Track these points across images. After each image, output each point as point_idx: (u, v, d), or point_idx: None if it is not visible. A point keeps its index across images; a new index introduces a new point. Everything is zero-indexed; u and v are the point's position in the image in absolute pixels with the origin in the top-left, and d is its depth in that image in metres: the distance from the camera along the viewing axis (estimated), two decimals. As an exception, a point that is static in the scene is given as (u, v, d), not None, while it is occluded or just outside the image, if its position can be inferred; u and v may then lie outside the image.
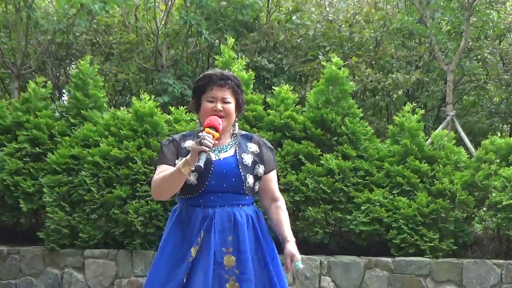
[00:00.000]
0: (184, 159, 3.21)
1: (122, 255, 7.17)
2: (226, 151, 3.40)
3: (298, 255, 3.34)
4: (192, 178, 3.30)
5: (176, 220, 3.38)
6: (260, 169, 3.42)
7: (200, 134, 3.22)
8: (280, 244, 3.42)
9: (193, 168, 3.17)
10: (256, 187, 3.43)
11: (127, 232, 7.10)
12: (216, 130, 3.25)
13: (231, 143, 3.43)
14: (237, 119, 3.48)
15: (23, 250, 7.48)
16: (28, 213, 7.67)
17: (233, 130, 3.48)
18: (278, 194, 3.53)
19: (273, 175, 3.52)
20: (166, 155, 3.37)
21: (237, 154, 3.39)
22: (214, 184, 3.31)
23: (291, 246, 3.35)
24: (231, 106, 3.39)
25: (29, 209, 7.46)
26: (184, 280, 3.25)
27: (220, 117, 3.32)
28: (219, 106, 3.35)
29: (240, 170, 3.34)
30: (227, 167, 3.33)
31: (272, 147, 3.57)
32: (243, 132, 3.57)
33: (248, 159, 3.39)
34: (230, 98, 3.39)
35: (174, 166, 3.28)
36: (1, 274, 7.48)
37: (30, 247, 7.51)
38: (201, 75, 3.51)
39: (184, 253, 3.28)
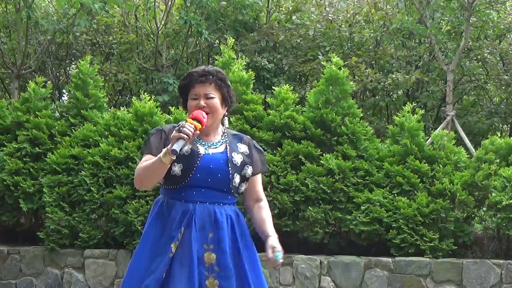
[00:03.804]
0: (165, 148, 3.21)
1: (122, 255, 7.17)
2: (216, 147, 3.38)
3: (279, 247, 3.30)
4: (177, 169, 3.28)
5: (157, 211, 3.37)
6: (249, 170, 3.40)
7: (180, 123, 3.25)
8: (262, 244, 3.40)
9: (173, 157, 3.17)
10: (242, 188, 3.40)
11: (127, 232, 7.11)
12: (200, 122, 3.25)
13: (221, 140, 3.42)
14: (226, 113, 3.47)
15: (23, 250, 7.49)
16: (28, 213, 7.68)
17: (223, 129, 3.46)
18: (262, 195, 3.52)
19: (259, 177, 3.51)
20: (152, 145, 3.35)
21: (228, 152, 3.37)
22: (199, 178, 3.29)
23: (273, 239, 3.33)
24: (215, 101, 3.36)
25: (29, 209, 7.47)
26: (164, 276, 3.23)
27: (206, 113, 3.31)
28: (202, 102, 3.33)
29: (229, 167, 3.33)
30: (215, 163, 3.32)
31: (261, 149, 3.56)
32: (234, 132, 3.56)
33: (238, 158, 3.37)
34: (214, 93, 3.37)
35: None
36: (1, 274, 7.49)
37: (30, 247, 7.52)
38: (185, 74, 3.50)
39: (163, 246, 3.27)
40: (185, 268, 3.23)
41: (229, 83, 3.48)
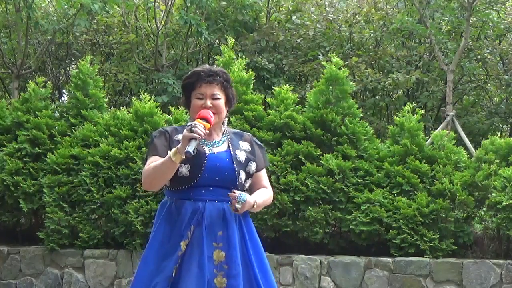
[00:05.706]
0: (175, 148, 3.22)
1: (122, 255, 7.18)
2: (219, 146, 3.41)
3: (250, 199, 3.30)
4: (185, 170, 3.30)
5: (165, 213, 3.38)
6: (253, 166, 3.44)
7: (191, 122, 3.25)
8: (267, 244, 3.41)
9: (184, 157, 3.18)
10: (247, 184, 3.44)
11: (127, 232, 7.11)
12: (207, 122, 3.26)
13: (223, 138, 3.45)
14: (228, 114, 3.49)
15: (23, 250, 7.49)
16: (28, 213, 7.67)
17: (224, 128, 3.48)
18: (268, 187, 3.57)
19: (263, 173, 3.55)
20: (157, 147, 3.37)
21: (231, 149, 3.40)
22: (206, 177, 3.31)
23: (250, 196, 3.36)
24: (221, 102, 3.39)
25: (29, 209, 7.47)
26: (174, 274, 3.25)
27: (212, 113, 3.33)
28: (209, 103, 3.36)
29: (235, 165, 3.35)
30: (221, 161, 3.35)
31: (262, 145, 3.59)
32: (234, 130, 3.59)
33: (241, 155, 3.41)
34: (220, 94, 3.40)
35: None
36: (1, 274, 7.49)
37: (30, 247, 7.52)
38: (189, 71, 3.50)
39: (173, 246, 3.28)
40: (194, 266, 3.25)
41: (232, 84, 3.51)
